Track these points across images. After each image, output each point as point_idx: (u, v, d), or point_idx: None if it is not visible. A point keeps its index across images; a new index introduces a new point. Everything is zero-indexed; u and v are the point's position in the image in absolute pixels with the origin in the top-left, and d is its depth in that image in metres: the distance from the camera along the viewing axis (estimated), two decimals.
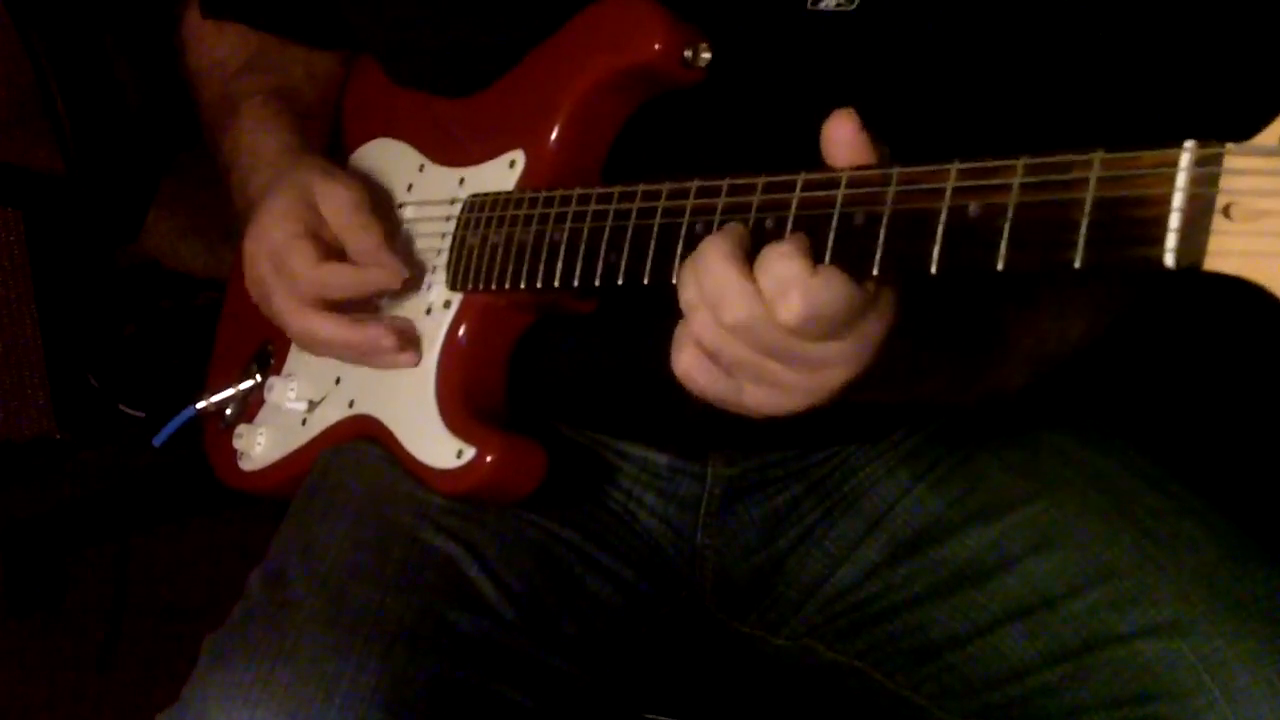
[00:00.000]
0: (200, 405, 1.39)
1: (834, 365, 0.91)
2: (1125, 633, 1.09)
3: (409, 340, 1.19)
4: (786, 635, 1.30)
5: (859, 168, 0.89)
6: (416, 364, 1.19)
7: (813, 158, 0.92)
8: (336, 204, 1.19)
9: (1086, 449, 1.22)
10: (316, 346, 1.23)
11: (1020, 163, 0.82)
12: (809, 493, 1.28)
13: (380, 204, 1.23)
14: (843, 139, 0.90)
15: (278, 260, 1.18)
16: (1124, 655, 1.09)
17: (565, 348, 1.20)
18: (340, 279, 1.18)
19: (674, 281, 0.98)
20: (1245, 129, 0.74)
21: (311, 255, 1.17)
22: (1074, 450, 1.22)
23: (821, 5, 1.09)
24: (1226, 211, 0.74)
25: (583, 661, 1.18)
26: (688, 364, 0.96)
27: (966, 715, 1.19)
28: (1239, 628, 1.05)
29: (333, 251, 1.19)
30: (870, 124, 0.90)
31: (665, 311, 1.13)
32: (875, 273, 0.88)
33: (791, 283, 0.88)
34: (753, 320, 0.90)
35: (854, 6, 1.08)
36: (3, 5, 2.07)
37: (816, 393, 0.93)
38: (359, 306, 1.21)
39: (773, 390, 0.94)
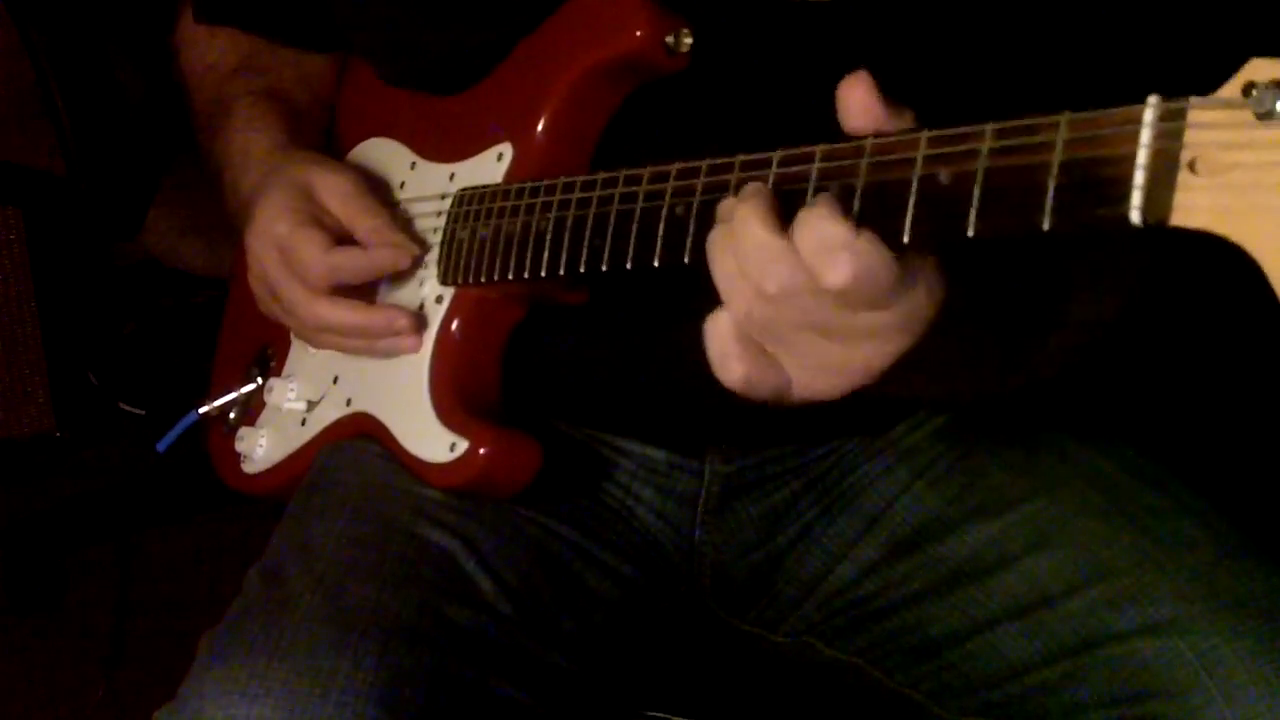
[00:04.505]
0: (203, 409, 1.40)
1: (880, 338, 0.88)
2: (1123, 631, 1.09)
3: (420, 322, 1.19)
4: (785, 632, 1.30)
5: (834, 142, 0.89)
6: (419, 349, 1.19)
7: (799, 144, 0.91)
8: (335, 191, 1.20)
9: (1085, 447, 1.22)
10: (326, 335, 1.23)
11: (988, 128, 0.81)
12: (807, 490, 1.28)
13: (376, 192, 1.23)
14: (856, 103, 0.86)
15: (285, 252, 1.19)
16: (1122, 653, 1.09)
17: (563, 345, 1.20)
18: (352, 262, 1.19)
19: (655, 264, 0.98)
20: (1210, 81, 0.74)
21: (320, 242, 1.18)
22: (1073, 449, 1.22)
23: None
24: (1192, 166, 0.73)
25: (581, 658, 1.18)
26: (723, 350, 0.90)
27: (965, 713, 1.19)
28: (1237, 626, 1.05)
29: (339, 239, 1.19)
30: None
31: (662, 307, 1.13)
32: None
33: (837, 244, 0.84)
34: (797, 285, 0.85)
35: None
36: (2, 4, 2.07)
37: (862, 370, 0.89)
38: (358, 298, 1.21)
39: (816, 369, 0.90)
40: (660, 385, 1.21)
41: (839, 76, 0.87)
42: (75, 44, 2.07)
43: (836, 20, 1.09)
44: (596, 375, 1.22)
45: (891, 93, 0.87)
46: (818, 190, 0.88)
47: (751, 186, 0.90)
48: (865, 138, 0.87)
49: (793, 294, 0.86)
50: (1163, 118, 0.74)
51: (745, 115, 1.12)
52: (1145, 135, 0.74)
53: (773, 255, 0.86)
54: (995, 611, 1.17)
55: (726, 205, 0.91)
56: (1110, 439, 1.24)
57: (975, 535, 1.20)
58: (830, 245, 0.84)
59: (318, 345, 1.26)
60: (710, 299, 0.93)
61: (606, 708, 1.24)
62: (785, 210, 0.89)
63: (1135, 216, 0.74)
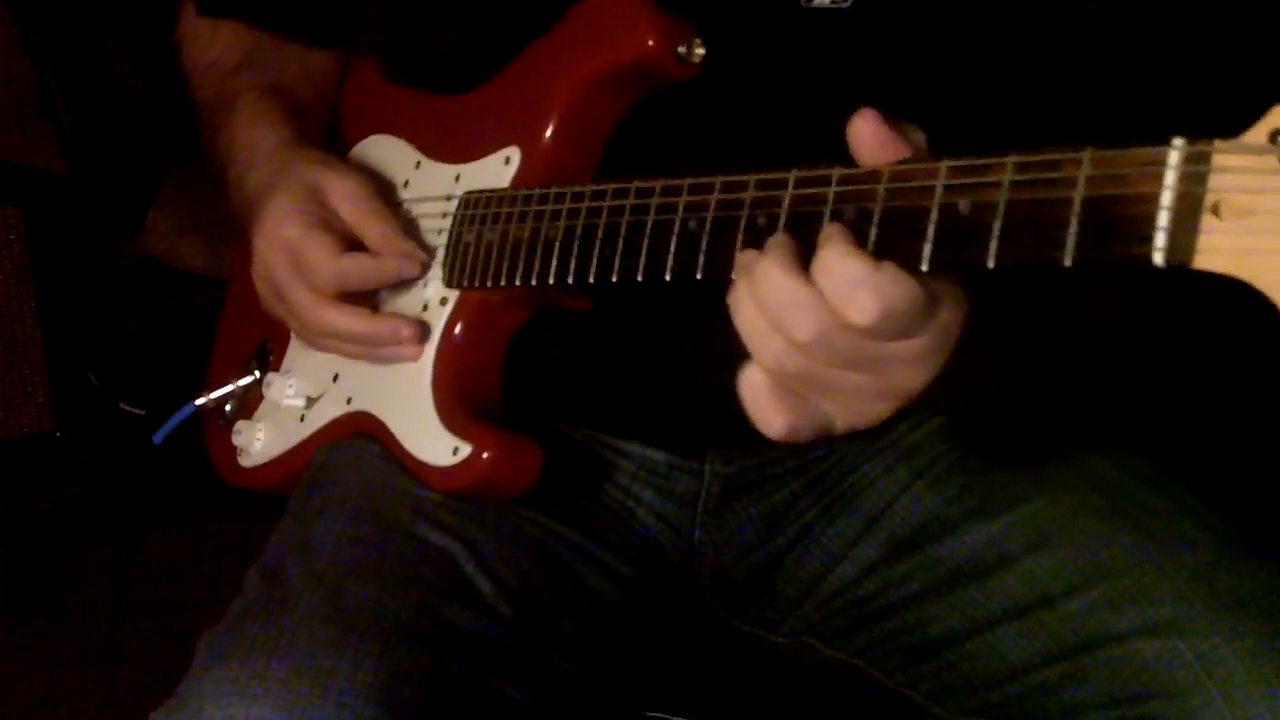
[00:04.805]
0: (200, 402, 1.40)
1: (915, 363, 0.88)
2: (1123, 632, 1.09)
3: (423, 331, 1.19)
4: (785, 633, 1.30)
5: (849, 166, 0.89)
6: (419, 358, 1.19)
7: (809, 154, 0.91)
8: (346, 195, 1.20)
9: (1085, 448, 1.22)
10: (330, 340, 1.23)
11: (1010, 160, 0.81)
12: (807, 490, 1.28)
13: (384, 196, 1.23)
14: (867, 137, 0.88)
15: (294, 255, 1.19)
16: (1122, 654, 1.09)
17: (562, 346, 1.20)
18: (361, 269, 1.19)
19: (667, 278, 0.98)
20: (1233, 124, 0.74)
21: (331, 247, 1.18)
22: (1073, 450, 1.22)
23: (815, 2, 1.09)
24: (1215, 210, 0.73)
25: (581, 658, 1.17)
26: (761, 405, 0.90)
27: (964, 713, 1.19)
28: (1236, 626, 1.05)
29: (347, 243, 1.19)
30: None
31: (662, 310, 1.13)
32: None
33: (859, 281, 0.84)
34: (827, 329, 0.86)
35: (848, 4, 1.08)
36: (2, 4, 2.07)
37: (900, 395, 0.90)
38: (360, 303, 1.21)
39: (856, 402, 0.90)
40: (660, 387, 1.21)
41: (849, 84, 0.88)
42: (75, 44, 2.07)
43: (847, 28, 1.09)
44: (596, 377, 1.22)
45: (903, 101, 0.87)
46: (834, 214, 0.88)
47: (772, 239, 0.90)
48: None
49: (824, 338, 0.86)
50: (1187, 160, 0.74)
51: (753, 123, 1.12)
52: (1169, 177, 0.74)
53: (799, 303, 0.86)
54: (995, 612, 1.17)
55: (747, 258, 0.91)
56: (1110, 440, 1.24)
57: (975, 535, 1.20)
58: (852, 283, 0.84)
59: (320, 348, 1.26)
60: (710, 300, 0.93)
61: (606, 708, 1.23)
62: (801, 234, 0.89)
63: (1158, 258, 0.75)
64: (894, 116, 0.88)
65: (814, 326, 0.86)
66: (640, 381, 1.21)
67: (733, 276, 0.92)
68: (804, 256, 0.88)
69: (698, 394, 1.21)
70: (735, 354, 0.92)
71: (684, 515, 1.29)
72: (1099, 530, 1.15)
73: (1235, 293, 0.75)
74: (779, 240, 0.89)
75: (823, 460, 1.28)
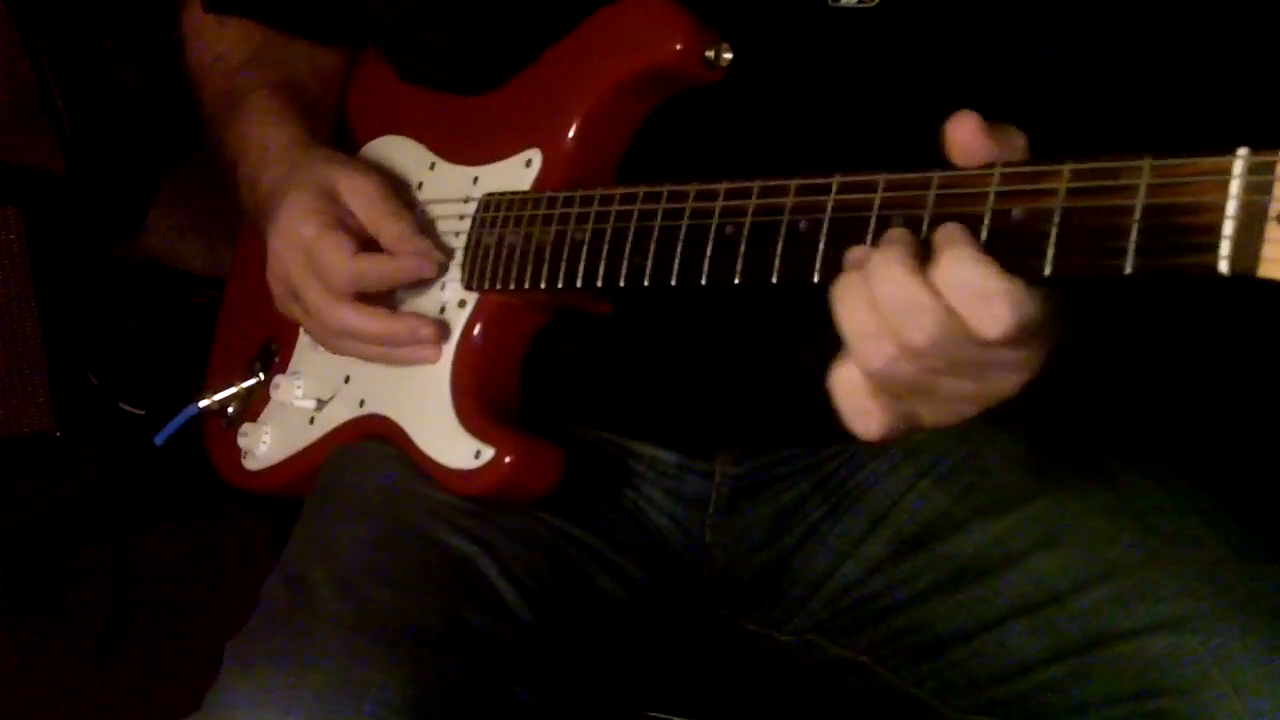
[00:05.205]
0: (203, 404, 1.39)
1: (1019, 370, 0.88)
2: (1131, 628, 1.09)
3: (443, 331, 1.18)
4: (791, 631, 1.30)
5: (870, 154, 0.89)
6: (438, 360, 1.18)
7: (835, 155, 0.91)
8: (360, 193, 1.19)
9: (1091, 446, 1.22)
10: (347, 341, 1.22)
11: (1066, 167, 0.81)
12: (815, 489, 1.28)
13: (399, 195, 1.22)
14: (962, 142, 0.86)
15: (310, 255, 1.18)
16: (1129, 651, 1.09)
17: (574, 347, 1.20)
18: (377, 269, 1.18)
19: (702, 283, 0.98)
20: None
21: (347, 247, 1.17)
22: (1078, 447, 1.22)
23: (842, 2, 1.09)
24: None
25: (590, 660, 1.17)
26: (860, 408, 0.88)
27: (971, 711, 1.19)
28: (1246, 622, 1.05)
29: (362, 242, 1.18)
30: (890, 123, 0.88)
31: (671, 310, 1.13)
32: None
33: (995, 293, 0.82)
34: (946, 336, 0.84)
35: (874, 4, 1.08)
36: (2, 4, 2.07)
37: (994, 398, 0.89)
38: (377, 304, 1.21)
39: (951, 405, 0.89)
40: (671, 388, 1.21)
41: (876, 85, 0.87)
42: (75, 44, 2.07)
43: (874, 29, 1.09)
44: (608, 377, 1.22)
45: (931, 104, 0.87)
46: (880, 220, 0.88)
47: (892, 232, 0.87)
48: (932, 170, 0.86)
49: (939, 344, 0.84)
50: (1252, 170, 0.75)
51: (778, 125, 1.11)
52: (1234, 186, 0.75)
53: (922, 307, 0.84)
54: (1002, 609, 1.17)
55: (858, 253, 0.88)
56: (1116, 437, 1.24)
57: (981, 533, 1.20)
58: (986, 293, 0.82)
59: (337, 350, 1.24)
60: (720, 300, 0.93)
61: (609, 708, 1.23)
62: (845, 240, 0.88)
63: (1224, 266, 0.75)
64: (923, 100, 0.87)
65: (932, 331, 0.84)
66: (651, 382, 1.21)
67: (843, 270, 0.88)
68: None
69: (709, 395, 1.21)
70: (747, 353, 0.92)
71: (694, 517, 1.29)
72: (1106, 528, 1.15)
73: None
74: (900, 235, 0.87)
75: (831, 459, 1.28)
